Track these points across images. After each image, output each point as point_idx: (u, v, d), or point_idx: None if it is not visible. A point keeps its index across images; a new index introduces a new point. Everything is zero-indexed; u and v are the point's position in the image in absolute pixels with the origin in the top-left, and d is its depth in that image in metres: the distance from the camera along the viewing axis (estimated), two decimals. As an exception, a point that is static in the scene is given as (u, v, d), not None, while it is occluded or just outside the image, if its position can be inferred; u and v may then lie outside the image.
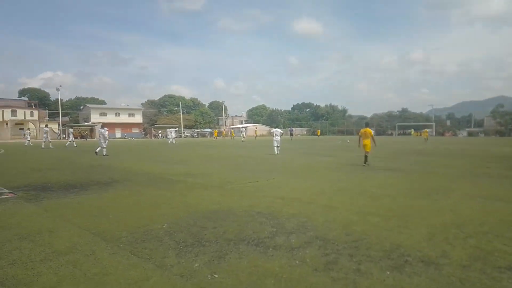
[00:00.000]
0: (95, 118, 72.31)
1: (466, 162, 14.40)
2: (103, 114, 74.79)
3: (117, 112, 77.06)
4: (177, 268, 3.48)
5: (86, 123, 71.37)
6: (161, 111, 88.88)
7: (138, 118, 79.17)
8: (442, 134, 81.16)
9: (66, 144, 31.38)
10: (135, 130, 74.12)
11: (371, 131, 13.58)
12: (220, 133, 79.64)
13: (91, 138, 58.04)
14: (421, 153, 20.52)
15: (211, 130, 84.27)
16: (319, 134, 75.06)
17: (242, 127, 76.13)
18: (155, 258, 3.76)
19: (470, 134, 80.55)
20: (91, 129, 64.54)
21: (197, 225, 4.98)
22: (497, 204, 6.36)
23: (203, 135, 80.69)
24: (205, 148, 28.13)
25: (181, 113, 76.84)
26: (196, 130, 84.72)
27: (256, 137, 55.60)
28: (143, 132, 73.75)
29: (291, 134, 55.19)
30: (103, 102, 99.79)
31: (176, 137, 39.56)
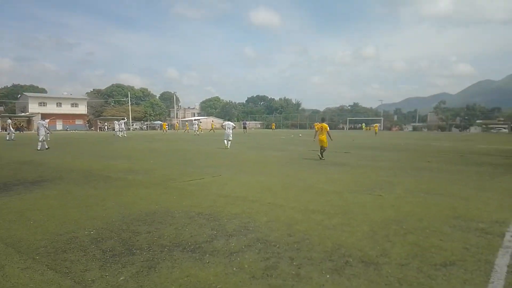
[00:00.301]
0: (33, 108, 66.97)
1: (410, 156, 15.06)
2: (42, 104, 69.46)
3: (59, 102, 71.92)
4: (98, 284, 3.08)
5: (23, 114, 65.96)
6: (108, 101, 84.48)
7: (82, 109, 74.53)
8: (390, 129, 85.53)
9: (7, 138, 28.73)
10: (79, 122, 69.82)
11: (327, 126, 13.71)
12: (171, 126, 77.62)
13: (28, 130, 53.76)
14: (369, 147, 21.27)
15: (161, 122, 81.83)
16: (273, 127, 75.53)
17: (195, 120, 74.68)
18: (74, 272, 3.32)
19: (414, 128, 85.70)
20: (29, 120, 59.72)
21: (130, 229, 4.55)
22: (436, 199, 6.56)
23: (153, 128, 78.14)
24: (153, 142, 27.12)
25: (129, 104, 73.55)
26: (146, 123, 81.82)
27: (212, 130, 54.18)
28: (87, 124, 69.65)
29: (245, 128, 54.65)
30: (43, 91, 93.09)
31: (125, 130, 37.59)
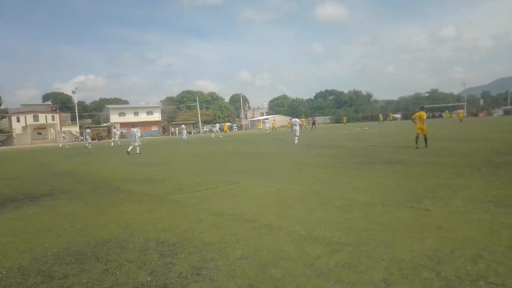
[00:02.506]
0: (114, 118, 72.72)
1: (489, 147, 12.15)
2: (122, 114, 75.08)
3: (136, 111, 77.10)
4: None
5: (105, 124, 71.89)
6: (180, 107, 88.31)
7: (156, 116, 78.95)
8: (476, 115, 76.10)
9: (87, 145, 32.36)
10: (154, 128, 74.01)
11: (424, 114, 13.91)
12: (241, 127, 78.33)
13: (109, 139, 58.15)
14: (443, 138, 18.17)
15: (230, 123, 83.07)
16: (345, 121, 71.64)
17: (264, 119, 74.29)
18: None
19: (506, 112, 75.00)
20: (108, 130, 64.70)
21: (46, 271, 3.46)
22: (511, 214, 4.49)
23: (222, 130, 79.53)
24: (209, 145, 26.77)
25: (198, 108, 75.79)
26: (217, 125, 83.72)
27: (274, 129, 52.62)
28: (161, 130, 73.41)
29: (313, 123, 51.77)
30: (125, 102, 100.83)
31: (186, 134, 38.54)
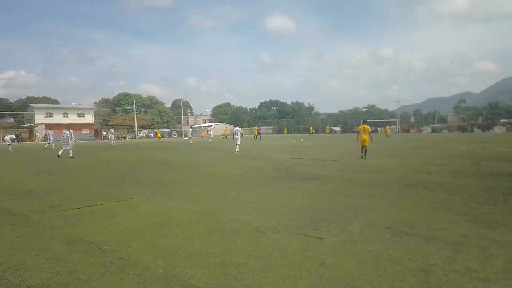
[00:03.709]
0: (39, 119, 66.36)
1: (408, 165, 12.31)
2: (49, 115, 68.84)
3: (65, 112, 71.10)
4: None
5: (28, 125, 65.52)
6: (116, 110, 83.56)
7: (89, 118, 73.58)
8: (408, 131, 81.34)
9: (10, 149, 28.31)
10: (86, 131, 68.81)
11: (368, 127, 14.89)
12: (181, 133, 75.81)
13: (30, 141, 52.81)
14: (369, 152, 18.47)
15: (169, 130, 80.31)
16: (286, 132, 72.39)
17: (205, 126, 72.80)
18: None
19: (434, 130, 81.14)
20: (31, 131, 58.86)
21: None
22: (407, 243, 4.03)
23: (162, 136, 76.58)
24: (131, 152, 25.08)
25: (135, 111, 72.16)
26: (155, 130, 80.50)
27: (225, 137, 50.72)
28: (92, 133, 68.43)
29: (259, 134, 50.75)
30: (56, 102, 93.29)
31: (113, 139, 35.85)
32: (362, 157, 14.36)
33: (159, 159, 17.20)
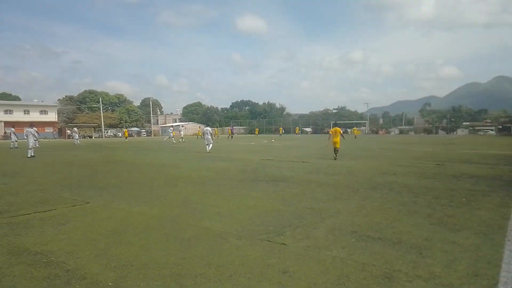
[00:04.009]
0: (-2, 116, 63.02)
1: (375, 166, 12.47)
2: (8, 112, 65.33)
3: (26, 109, 67.63)
4: None
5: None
6: (81, 108, 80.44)
7: (52, 116, 70.30)
8: (376, 132, 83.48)
9: None
10: (49, 130, 65.81)
11: (340, 129, 15.44)
12: (150, 133, 74.15)
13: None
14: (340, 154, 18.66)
15: (138, 129, 78.32)
16: (257, 132, 72.14)
17: (176, 125, 71.23)
18: None
19: (401, 132, 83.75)
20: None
21: None
22: (372, 248, 3.97)
23: (131, 135, 74.57)
24: (96, 152, 24.15)
25: (101, 110, 69.75)
26: (123, 129, 78.23)
27: (200, 136, 49.44)
28: (55, 132, 65.56)
29: (232, 133, 50.17)
30: (17, 99, 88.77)
31: (76, 138, 34.39)
32: (334, 158, 14.84)
33: (123, 160, 16.59)
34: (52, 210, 5.96)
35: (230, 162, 14.35)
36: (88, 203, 6.51)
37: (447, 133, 75.29)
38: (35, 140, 18.54)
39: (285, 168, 12.11)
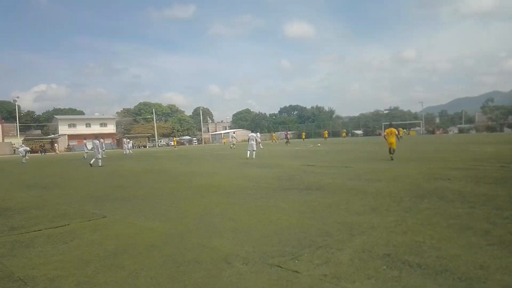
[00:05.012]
0: (63, 129, 68.14)
1: (427, 170, 11.13)
2: (72, 125, 70.62)
3: (88, 122, 72.82)
4: None
5: (52, 136, 67.20)
6: (136, 119, 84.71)
7: (111, 128, 74.94)
8: (433, 132, 78.41)
9: (23, 161, 29.02)
10: (108, 141, 69.96)
11: (395, 130, 15.43)
12: (201, 140, 75.73)
13: (53, 152, 53.81)
14: (384, 158, 17.26)
15: (189, 137, 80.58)
16: (304, 137, 70.60)
17: (225, 133, 72.44)
18: None
19: (460, 131, 77.90)
20: (52, 142, 60.17)
21: None
22: (405, 279, 3.09)
23: (182, 143, 76.94)
24: (138, 161, 24.73)
25: (154, 120, 72.87)
26: (176, 138, 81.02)
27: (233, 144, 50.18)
28: (114, 143, 69.49)
29: (286, 138, 49.83)
30: (81, 113, 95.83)
31: (129, 148, 35.91)
32: (391, 158, 14.79)
33: (163, 169, 16.63)
34: (65, 225, 5.73)
35: (268, 169, 13.73)
36: (105, 217, 6.23)
37: (513, 130, 68.43)
38: (102, 150, 20.35)
39: (324, 174, 11.23)
